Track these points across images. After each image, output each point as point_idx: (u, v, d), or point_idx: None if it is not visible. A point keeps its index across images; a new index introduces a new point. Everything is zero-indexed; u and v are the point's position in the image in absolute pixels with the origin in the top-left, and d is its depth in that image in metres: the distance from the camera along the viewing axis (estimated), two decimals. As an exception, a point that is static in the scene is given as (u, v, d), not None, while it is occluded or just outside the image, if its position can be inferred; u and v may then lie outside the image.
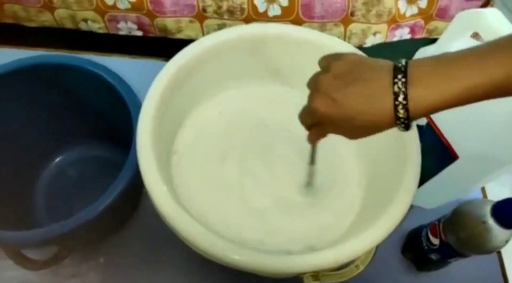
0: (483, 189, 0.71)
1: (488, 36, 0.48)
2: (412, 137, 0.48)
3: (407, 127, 0.35)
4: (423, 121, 0.57)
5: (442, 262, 0.57)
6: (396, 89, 0.33)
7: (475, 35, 0.53)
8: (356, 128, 0.37)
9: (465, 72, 0.32)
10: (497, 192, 0.70)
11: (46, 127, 0.55)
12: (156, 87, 0.46)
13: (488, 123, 0.49)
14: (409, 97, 0.33)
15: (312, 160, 0.48)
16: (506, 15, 0.49)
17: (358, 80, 0.35)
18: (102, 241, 0.58)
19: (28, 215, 0.56)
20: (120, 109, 0.48)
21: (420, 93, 0.33)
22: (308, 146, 0.55)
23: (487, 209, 0.47)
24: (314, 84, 0.38)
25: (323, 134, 0.42)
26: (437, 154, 0.56)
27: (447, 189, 0.62)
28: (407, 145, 0.47)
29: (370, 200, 0.51)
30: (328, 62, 0.38)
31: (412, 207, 0.67)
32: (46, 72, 0.50)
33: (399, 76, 0.33)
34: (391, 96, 0.33)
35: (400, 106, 0.33)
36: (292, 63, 0.57)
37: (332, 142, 0.55)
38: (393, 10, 0.93)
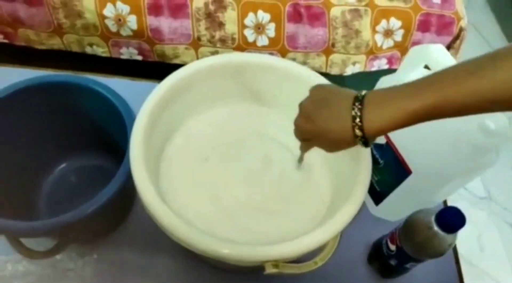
0: (445, 202, 0.77)
1: (435, 67, 0.57)
2: (364, 153, 0.55)
3: (366, 144, 0.44)
4: (383, 140, 0.64)
5: (401, 267, 0.63)
6: (353, 113, 0.42)
7: (426, 67, 0.61)
8: (329, 143, 0.47)
9: (403, 101, 0.41)
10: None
11: (52, 138, 0.63)
12: (148, 104, 0.54)
13: (436, 141, 0.56)
14: (363, 120, 0.42)
15: (300, 160, 0.61)
16: (479, 41, 0.56)
17: (328, 105, 0.45)
18: (97, 240, 0.64)
19: (31, 215, 0.62)
20: (118, 123, 0.55)
21: (371, 118, 0.42)
22: (280, 155, 0.64)
23: (433, 217, 0.54)
24: (300, 107, 0.49)
25: (310, 147, 0.53)
26: (394, 170, 0.63)
27: (407, 202, 0.68)
28: (361, 159, 0.55)
29: (330, 210, 0.58)
30: (311, 90, 0.49)
31: (378, 220, 0.74)
32: (52, 90, 0.58)
33: (357, 103, 0.42)
34: (350, 119, 0.42)
35: (357, 127, 0.42)
36: (269, 88, 0.65)
37: (308, 161, 0.63)
38: (371, 43, 1.02)
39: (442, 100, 0.39)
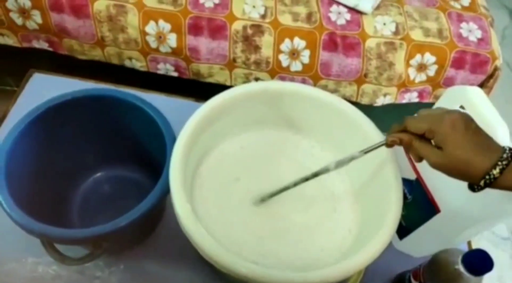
0: (469, 244, 0.76)
1: (471, 110, 0.57)
2: (396, 191, 0.56)
3: (476, 191, 0.44)
4: (413, 176, 0.64)
5: (422, 304, 0.63)
6: (494, 170, 0.41)
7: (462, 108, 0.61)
8: (453, 161, 0.43)
9: None
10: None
11: (92, 147, 0.65)
12: (189, 126, 0.56)
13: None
14: (496, 180, 0.41)
15: (368, 151, 0.54)
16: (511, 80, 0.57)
17: (479, 140, 0.42)
18: (124, 251, 0.66)
19: (63, 220, 0.64)
20: (158, 140, 0.57)
21: (505, 182, 0.41)
22: (308, 183, 0.64)
23: (459, 258, 0.54)
24: (448, 111, 0.44)
25: (404, 144, 0.48)
26: (423, 206, 0.63)
27: (431, 240, 0.68)
28: (392, 191, 0.56)
29: (358, 242, 0.58)
30: (460, 115, 0.44)
31: (402, 254, 0.74)
32: (100, 102, 0.60)
33: (504, 162, 0.41)
34: (485, 171, 0.41)
35: (483, 182, 0.41)
36: (304, 116, 0.67)
37: (333, 188, 0.64)
38: (403, 76, 1.03)
39: None
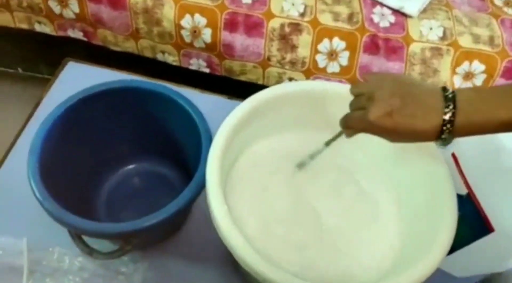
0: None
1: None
2: (449, 198, 0.51)
3: (445, 143, 0.42)
4: (463, 191, 0.59)
5: (467, 330, 0.58)
6: (446, 117, 0.39)
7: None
8: (400, 138, 0.44)
9: (497, 108, 0.39)
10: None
11: (123, 140, 0.63)
12: (227, 125, 0.53)
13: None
14: (455, 125, 0.39)
15: (328, 144, 0.56)
16: None
17: (414, 100, 0.41)
18: (150, 247, 0.64)
19: (90, 211, 0.62)
20: (193, 137, 0.55)
21: (462, 123, 0.39)
22: (346, 190, 0.60)
23: (515, 284, 0.49)
24: (371, 97, 0.43)
25: (356, 133, 0.48)
26: (473, 224, 0.58)
27: (479, 260, 0.63)
28: (445, 209, 0.51)
29: (402, 259, 0.54)
30: (377, 79, 0.45)
31: (444, 273, 0.69)
32: (136, 95, 0.58)
33: (450, 106, 0.39)
34: (440, 122, 0.40)
35: (446, 131, 0.40)
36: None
37: (374, 200, 0.60)
38: (448, 84, 0.98)
39: None
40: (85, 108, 0.56)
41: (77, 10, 0.99)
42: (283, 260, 0.52)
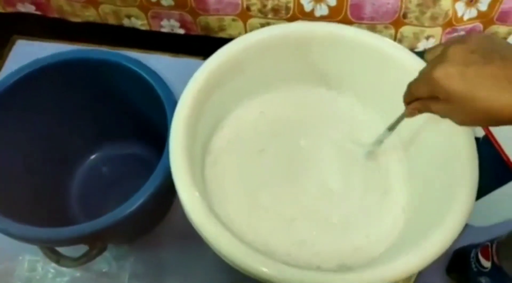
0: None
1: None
2: (470, 153, 0.43)
3: None
4: (480, 132, 0.52)
5: (494, 287, 0.53)
6: None
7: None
8: (473, 113, 0.33)
9: None
10: None
11: (81, 124, 0.55)
12: (192, 87, 0.45)
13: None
14: None
15: (393, 127, 0.46)
16: None
17: (500, 60, 0.31)
18: (134, 241, 0.58)
19: (62, 212, 0.57)
20: (156, 108, 0.47)
21: None
22: (349, 152, 0.52)
23: (551, 234, 0.43)
24: (442, 54, 0.34)
25: (425, 111, 0.38)
26: (494, 169, 0.51)
27: (503, 208, 0.57)
28: (463, 161, 0.43)
29: (414, 224, 0.47)
30: (466, 37, 0.35)
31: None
32: (82, 67, 0.50)
33: None
34: None
35: None
36: (340, 67, 0.54)
37: (384, 161, 0.52)
38: (450, 13, 0.87)
39: None
40: (26, 92, 0.47)
41: (21, -22, 0.89)
42: (272, 236, 0.46)
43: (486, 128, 0.51)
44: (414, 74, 0.44)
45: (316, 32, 0.51)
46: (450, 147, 0.46)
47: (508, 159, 0.49)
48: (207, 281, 0.58)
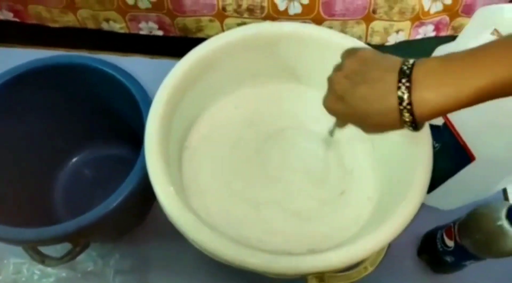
0: (504, 191, 0.68)
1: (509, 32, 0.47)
2: (424, 138, 0.47)
3: (415, 128, 0.35)
4: (440, 121, 0.55)
5: (458, 264, 0.56)
6: (400, 94, 0.33)
7: (496, 32, 0.51)
8: (368, 126, 0.38)
9: (466, 76, 0.31)
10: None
11: (61, 127, 0.57)
12: (166, 86, 0.47)
13: (506, 123, 0.48)
14: (413, 102, 0.33)
15: (332, 133, 0.51)
16: None
17: (366, 81, 0.35)
18: (119, 238, 0.60)
19: (47, 214, 0.57)
20: (133, 109, 0.49)
21: (424, 97, 0.32)
22: (318, 144, 0.56)
23: (503, 212, 0.46)
24: (329, 81, 0.40)
25: (346, 124, 0.45)
26: (453, 155, 0.54)
27: (464, 191, 0.60)
28: (419, 146, 0.46)
29: (380, 209, 0.50)
30: (343, 57, 0.40)
31: (428, 208, 0.66)
32: (61, 73, 0.51)
33: (403, 80, 0.33)
34: (396, 100, 0.33)
35: (405, 111, 0.33)
36: (307, 63, 0.57)
37: (351, 152, 0.55)
38: (417, 7, 0.91)
39: None
40: (6, 98, 0.49)
41: (-3, -15, 0.90)
42: (244, 224, 0.48)
43: (445, 116, 0.54)
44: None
45: (283, 32, 0.53)
46: (408, 136, 0.49)
47: (465, 144, 0.52)
48: (190, 275, 0.59)
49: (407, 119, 0.33)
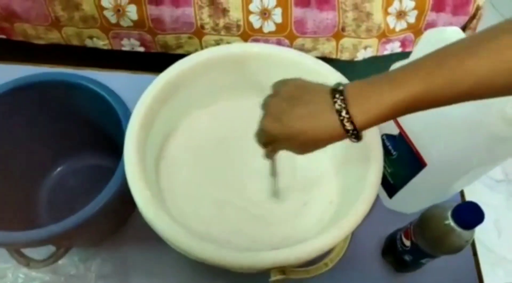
0: (462, 193, 0.73)
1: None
2: (375, 149, 0.52)
3: (357, 138, 0.40)
4: (395, 130, 0.60)
5: (415, 262, 0.60)
6: (337, 107, 0.38)
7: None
8: (301, 145, 0.42)
9: (385, 93, 0.37)
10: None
11: (45, 140, 0.60)
12: (143, 100, 0.51)
13: (453, 132, 0.53)
14: (351, 113, 0.38)
15: (273, 172, 0.54)
16: (496, 19, 0.52)
17: (302, 102, 0.40)
18: (100, 243, 0.62)
19: (30, 221, 0.60)
20: (113, 120, 0.53)
21: (356, 112, 0.38)
22: (287, 155, 0.60)
23: (449, 212, 0.50)
24: (265, 107, 0.44)
25: (276, 151, 0.48)
26: (408, 162, 0.59)
27: (421, 195, 0.65)
28: (371, 147, 0.51)
29: (339, 212, 0.55)
30: (277, 87, 0.44)
31: (392, 212, 0.71)
32: (41, 89, 0.54)
33: (337, 95, 0.38)
34: (335, 114, 0.38)
35: (345, 120, 0.38)
36: (273, 78, 0.62)
37: (313, 159, 0.60)
38: (383, 26, 0.97)
39: (427, 89, 0.35)
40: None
41: (-16, 5, 0.93)
42: (212, 226, 0.52)
43: (399, 126, 0.60)
44: (326, 78, 0.53)
45: (250, 52, 0.59)
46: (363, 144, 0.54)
47: (417, 151, 0.57)
48: (170, 278, 0.62)
49: (349, 128, 0.38)
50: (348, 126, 0.38)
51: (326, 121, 0.38)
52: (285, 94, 0.42)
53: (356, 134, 0.39)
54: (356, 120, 0.38)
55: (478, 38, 0.36)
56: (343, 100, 0.38)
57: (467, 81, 0.34)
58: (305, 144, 0.41)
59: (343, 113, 0.38)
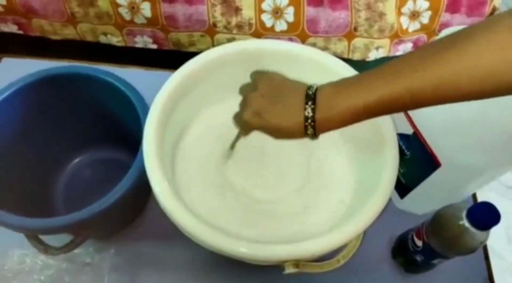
0: (474, 196, 0.73)
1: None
2: (391, 149, 0.52)
3: (314, 138, 0.43)
4: (409, 130, 0.60)
5: (427, 263, 0.60)
6: (306, 113, 0.41)
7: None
8: (275, 136, 0.46)
9: (356, 94, 0.39)
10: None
11: (65, 132, 0.61)
12: (161, 95, 0.52)
13: (468, 132, 0.53)
14: (316, 120, 0.41)
15: (233, 145, 0.57)
16: None
17: (280, 100, 0.44)
18: (115, 234, 0.63)
19: (47, 210, 0.61)
20: (131, 114, 0.54)
21: (324, 117, 0.41)
22: (297, 149, 0.60)
23: (464, 212, 0.50)
24: (245, 99, 0.47)
25: (250, 133, 0.51)
26: (422, 162, 0.59)
27: (434, 195, 0.65)
28: (386, 147, 0.52)
29: (351, 210, 0.55)
30: (257, 79, 0.48)
31: (404, 213, 0.71)
32: (63, 82, 0.56)
33: (309, 103, 0.41)
34: (303, 118, 0.42)
35: (309, 127, 0.42)
36: (288, 75, 0.62)
37: (324, 157, 0.60)
38: (395, 26, 0.96)
39: (396, 93, 0.37)
40: (16, 104, 0.54)
41: (4, 2, 0.94)
42: (225, 223, 0.53)
43: (414, 126, 0.60)
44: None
45: (266, 48, 0.59)
46: (378, 139, 0.54)
47: (432, 151, 0.57)
48: (182, 271, 0.63)
49: (309, 133, 0.42)
50: (310, 131, 0.42)
51: (295, 123, 0.42)
52: (265, 91, 0.45)
53: (313, 136, 0.43)
54: (320, 126, 0.41)
55: (445, 42, 0.37)
56: (313, 109, 0.41)
57: (429, 85, 0.36)
58: (278, 136, 0.45)
59: (309, 121, 0.41)
